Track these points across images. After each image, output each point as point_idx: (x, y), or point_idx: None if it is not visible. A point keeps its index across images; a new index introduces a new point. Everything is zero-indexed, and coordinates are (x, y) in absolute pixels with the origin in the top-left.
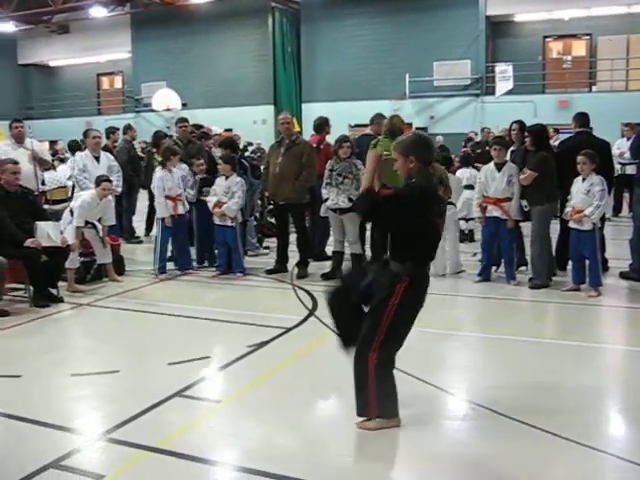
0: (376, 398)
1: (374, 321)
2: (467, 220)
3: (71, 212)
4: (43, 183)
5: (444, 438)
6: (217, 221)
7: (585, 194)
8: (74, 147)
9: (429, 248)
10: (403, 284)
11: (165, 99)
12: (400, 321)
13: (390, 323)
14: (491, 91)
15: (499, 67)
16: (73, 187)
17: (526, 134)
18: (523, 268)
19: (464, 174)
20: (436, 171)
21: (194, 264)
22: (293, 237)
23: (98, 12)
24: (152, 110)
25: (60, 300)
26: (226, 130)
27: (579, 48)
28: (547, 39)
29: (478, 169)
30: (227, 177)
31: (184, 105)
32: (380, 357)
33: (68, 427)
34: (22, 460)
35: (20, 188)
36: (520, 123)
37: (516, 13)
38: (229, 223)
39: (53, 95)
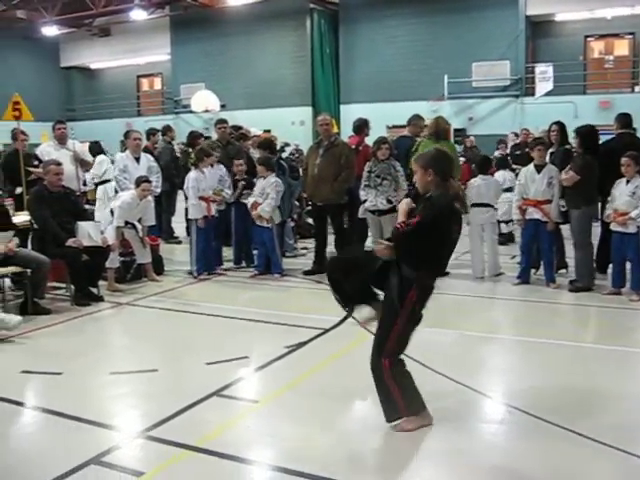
0: (402, 398)
1: (385, 330)
2: (507, 222)
3: (111, 212)
4: (84, 184)
5: (481, 441)
6: (256, 222)
7: (630, 196)
8: (94, 149)
9: (444, 260)
10: (415, 293)
11: (204, 100)
12: (409, 327)
13: (400, 332)
14: (531, 92)
15: (539, 68)
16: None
17: (574, 135)
18: (563, 271)
19: (500, 177)
20: (453, 187)
21: (232, 264)
22: (331, 238)
23: (138, 15)
24: (191, 111)
25: (100, 299)
26: (265, 131)
27: (621, 47)
28: (588, 39)
29: (515, 171)
30: (263, 178)
31: (223, 106)
32: (391, 360)
33: (108, 424)
34: (63, 455)
35: (62, 188)
36: (560, 124)
37: (557, 12)
38: (265, 224)
39: (94, 97)
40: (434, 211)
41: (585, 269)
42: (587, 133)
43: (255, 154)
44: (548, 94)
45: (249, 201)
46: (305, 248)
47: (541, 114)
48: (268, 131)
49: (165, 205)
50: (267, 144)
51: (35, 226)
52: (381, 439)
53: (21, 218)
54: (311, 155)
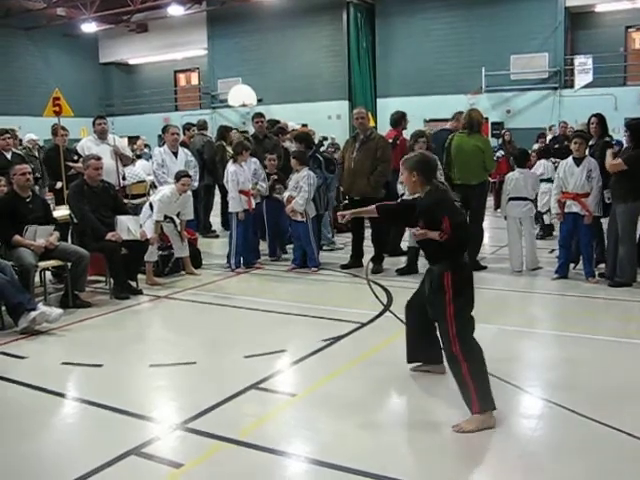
0: (476, 393)
1: (442, 319)
2: (548, 212)
3: (150, 206)
4: (124, 178)
5: (520, 437)
6: (290, 216)
7: None
8: None
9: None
10: (448, 276)
11: (241, 95)
12: (462, 307)
13: (455, 314)
14: (570, 84)
15: (578, 59)
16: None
17: (625, 129)
18: (602, 265)
19: (540, 167)
20: (437, 185)
21: (267, 258)
22: (368, 232)
23: (175, 10)
24: (228, 106)
25: (139, 292)
26: (303, 125)
27: None
28: (630, 29)
29: (554, 163)
30: (297, 172)
31: (259, 101)
32: (464, 348)
33: (147, 416)
34: (104, 446)
35: (102, 183)
36: (599, 116)
37: (597, 3)
38: (299, 218)
39: (132, 92)
40: (444, 207)
41: (628, 264)
42: (638, 127)
43: (292, 147)
44: (587, 86)
45: (284, 195)
46: (342, 244)
47: (580, 106)
48: (305, 125)
49: (204, 199)
50: (303, 137)
51: (75, 220)
52: (418, 434)
53: (61, 212)
54: (347, 149)
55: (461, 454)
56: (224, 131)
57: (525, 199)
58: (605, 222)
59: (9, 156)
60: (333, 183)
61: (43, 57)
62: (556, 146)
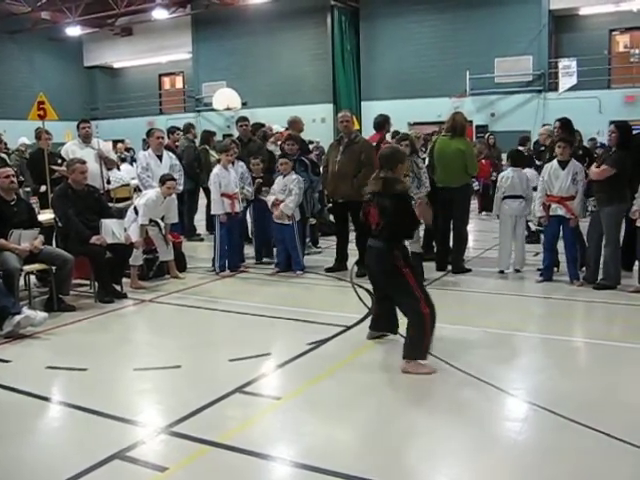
0: (427, 344)
1: (406, 289)
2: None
3: (135, 210)
4: (108, 182)
5: (505, 440)
6: (276, 219)
7: None
8: None
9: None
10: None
11: (225, 98)
12: (418, 279)
13: (414, 285)
14: (554, 87)
15: (562, 62)
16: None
17: (610, 130)
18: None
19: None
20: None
21: (253, 261)
22: (352, 235)
23: (160, 14)
24: (212, 109)
25: (124, 296)
26: (286, 129)
27: None
28: (613, 32)
29: (538, 168)
30: (285, 175)
31: (244, 104)
32: (428, 308)
33: (132, 420)
34: (88, 450)
35: (86, 187)
36: (562, 121)
37: (581, 6)
38: (286, 221)
39: (116, 96)
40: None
41: (613, 267)
42: (627, 128)
43: (277, 151)
44: (572, 89)
45: (269, 199)
46: (319, 247)
47: (565, 109)
48: (287, 129)
49: (188, 203)
50: (300, 139)
51: (59, 224)
52: (404, 436)
53: (46, 216)
54: (331, 152)
55: (446, 457)
56: (207, 135)
57: (520, 197)
58: (583, 225)
59: None
60: (317, 186)
61: (28, 61)
62: (541, 149)
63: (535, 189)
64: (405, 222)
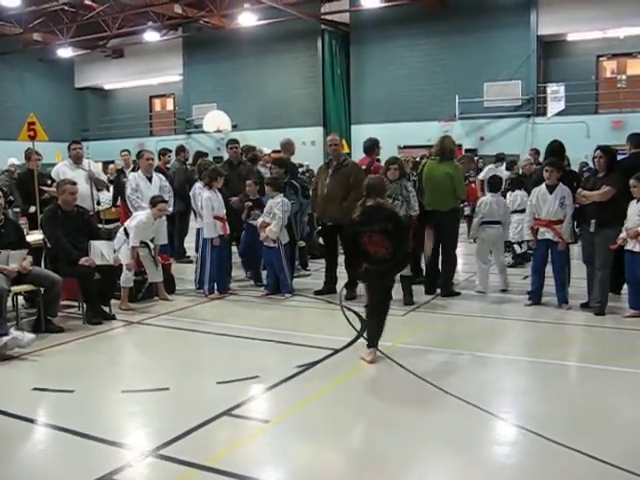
0: (381, 332)
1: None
2: (520, 243)
3: (125, 232)
4: (98, 203)
5: (494, 464)
6: (264, 241)
7: (639, 216)
8: None
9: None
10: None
11: (216, 120)
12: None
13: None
14: (542, 112)
15: (551, 87)
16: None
17: (597, 155)
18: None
19: (516, 197)
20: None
21: (243, 283)
22: (341, 258)
23: (151, 37)
24: (203, 131)
25: (112, 318)
26: (275, 151)
27: (634, 67)
28: (601, 58)
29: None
30: (272, 198)
31: (234, 126)
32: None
33: (119, 442)
34: (74, 473)
35: (76, 208)
36: (553, 144)
37: (569, 32)
38: (271, 244)
39: (107, 117)
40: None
41: (606, 290)
42: (613, 152)
43: (267, 173)
44: (560, 114)
45: (258, 221)
46: (309, 269)
47: (553, 134)
48: (278, 151)
49: (179, 225)
50: (282, 162)
51: (48, 245)
52: (392, 460)
53: (34, 237)
54: (321, 175)
55: (434, 479)
56: (199, 157)
57: (498, 222)
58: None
59: None
60: (307, 209)
61: (19, 81)
62: (520, 173)
63: (522, 211)
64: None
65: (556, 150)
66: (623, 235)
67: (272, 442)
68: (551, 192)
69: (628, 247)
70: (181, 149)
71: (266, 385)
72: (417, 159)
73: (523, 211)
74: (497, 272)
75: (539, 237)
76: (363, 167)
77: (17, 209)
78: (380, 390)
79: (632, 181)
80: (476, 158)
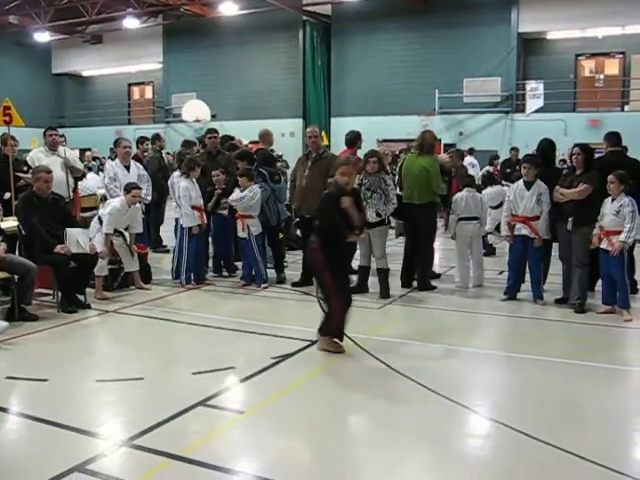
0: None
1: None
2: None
3: (99, 220)
4: (74, 190)
5: (466, 456)
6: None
7: (614, 215)
8: None
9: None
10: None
11: (195, 110)
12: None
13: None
14: (521, 109)
15: (530, 85)
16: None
17: (575, 152)
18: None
19: (494, 192)
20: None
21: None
22: None
23: (131, 23)
24: (181, 121)
25: (87, 306)
26: (252, 142)
27: (612, 66)
28: (579, 57)
29: (505, 185)
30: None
31: (213, 116)
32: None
33: (93, 432)
34: (47, 462)
35: (52, 195)
36: (543, 142)
37: (549, 31)
38: (242, 235)
39: (85, 104)
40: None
41: (585, 288)
42: (591, 150)
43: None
44: (538, 111)
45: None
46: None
47: (531, 131)
48: (256, 142)
49: (153, 214)
50: (244, 155)
51: (23, 232)
52: (365, 452)
53: (9, 224)
54: (299, 167)
55: (408, 472)
56: (188, 146)
57: (475, 218)
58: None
59: None
60: (282, 194)
61: None
62: (507, 170)
63: (498, 206)
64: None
65: (546, 148)
66: (596, 231)
67: (247, 433)
68: (528, 188)
69: (602, 246)
70: (157, 137)
71: (241, 376)
72: (397, 152)
73: (499, 206)
74: (473, 267)
75: (516, 233)
76: None
77: None
78: (355, 382)
79: (610, 177)
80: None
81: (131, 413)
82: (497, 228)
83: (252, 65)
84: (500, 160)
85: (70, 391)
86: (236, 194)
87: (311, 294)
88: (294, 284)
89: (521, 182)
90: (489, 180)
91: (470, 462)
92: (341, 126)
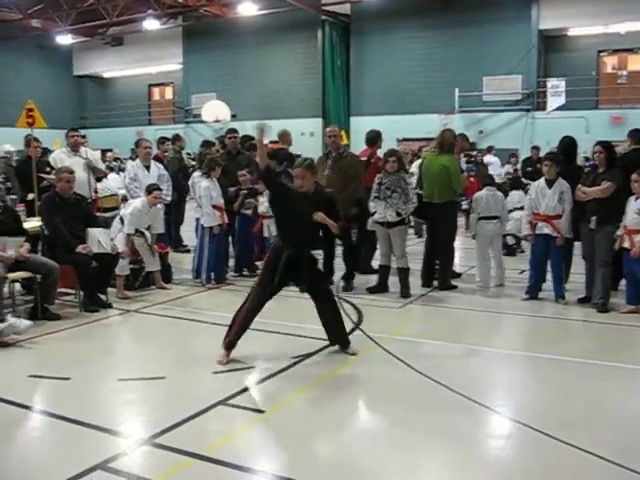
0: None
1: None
2: (515, 236)
3: (121, 220)
4: (96, 191)
5: (488, 457)
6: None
7: (637, 214)
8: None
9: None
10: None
11: (214, 110)
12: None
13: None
14: (542, 107)
15: (551, 82)
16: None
17: (597, 150)
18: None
19: (514, 196)
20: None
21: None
22: (339, 250)
23: (151, 25)
24: (201, 121)
25: (109, 306)
26: (272, 142)
27: (635, 63)
28: (602, 53)
29: (525, 187)
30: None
31: (233, 116)
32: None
33: (115, 430)
34: (70, 460)
35: (74, 195)
36: (564, 140)
37: (570, 27)
38: (265, 234)
39: (106, 105)
40: None
41: (608, 287)
42: (612, 148)
43: None
44: (560, 109)
45: (262, 211)
46: None
47: (552, 128)
48: (276, 142)
49: (174, 214)
50: (272, 154)
51: (46, 232)
52: (386, 452)
53: (32, 224)
54: (320, 167)
55: (429, 473)
56: (207, 146)
57: (495, 217)
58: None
59: None
60: None
61: (17, 68)
62: (528, 169)
63: (520, 209)
64: None
65: (567, 146)
66: (620, 232)
67: (267, 432)
68: (550, 186)
69: (625, 245)
70: (177, 138)
71: (261, 376)
72: (416, 151)
73: (521, 208)
74: (494, 266)
75: (537, 232)
76: (364, 159)
77: (14, 196)
78: (375, 382)
79: (634, 176)
80: (474, 153)
81: (152, 412)
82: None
83: (271, 65)
84: (521, 158)
85: (92, 390)
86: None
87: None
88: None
89: (542, 180)
90: (516, 183)
91: (491, 463)
92: (360, 125)
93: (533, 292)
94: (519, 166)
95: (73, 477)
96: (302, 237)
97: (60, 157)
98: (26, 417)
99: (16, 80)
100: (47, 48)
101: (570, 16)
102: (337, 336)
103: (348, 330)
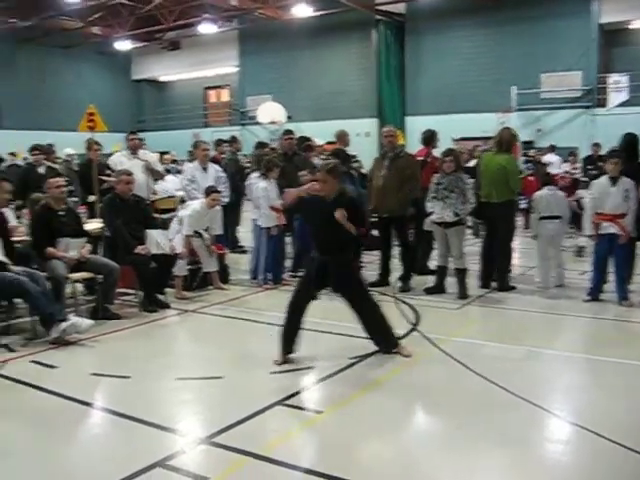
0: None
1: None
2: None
3: (179, 221)
4: (154, 193)
5: (548, 461)
6: None
7: None
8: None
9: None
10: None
11: (270, 112)
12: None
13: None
14: (602, 103)
15: (612, 78)
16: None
17: None
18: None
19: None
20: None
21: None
22: (396, 250)
23: (207, 29)
24: (257, 123)
25: (167, 306)
26: (329, 143)
27: None
28: None
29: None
30: None
31: (289, 118)
32: None
33: (173, 429)
34: (129, 457)
35: (133, 197)
36: (627, 137)
37: (632, 20)
38: None
39: (163, 108)
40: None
41: None
42: None
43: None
44: (622, 105)
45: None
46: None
47: (614, 126)
48: (332, 143)
49: (231, 215)
50: (337, 153)
51: (107, 233)
52: (444, 454)
53: (93, 225)
54: (376, 167)
55: (487, 477)
56: (261, 147)
57: (556, 217)
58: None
59: (42, 170)
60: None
61: (77, 74)
62: (594, 172)
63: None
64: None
65: (630, 143)
66: None
67: (325, 433)
68: (614, 184)
69: None
70: (234, 140)
71: (319, 376)
72: (471, 149)
73: None
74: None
75: (602, 231)
76: (420, 158)
77: (76, 198)
78: (433, 384)
79: None
80: (533, 151)
81: (210, 411)
82: None
83: (326, 66)
84: (580, 157)
85: (151, 388)
86: None
87: (387, 294)
88: (371, 284)
89: (604, 179)
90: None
91: (550, 467)
92: (416, 125)
93: (595, 293)
94: (578, 165)
95: (133, 474)
96: (328, 240)
97: (120, 160)
98: (88, 414)
99: (77, 86)
100: (106, 54)
101: (633, 8)
102: (379, 337)
103: (405, 331)
